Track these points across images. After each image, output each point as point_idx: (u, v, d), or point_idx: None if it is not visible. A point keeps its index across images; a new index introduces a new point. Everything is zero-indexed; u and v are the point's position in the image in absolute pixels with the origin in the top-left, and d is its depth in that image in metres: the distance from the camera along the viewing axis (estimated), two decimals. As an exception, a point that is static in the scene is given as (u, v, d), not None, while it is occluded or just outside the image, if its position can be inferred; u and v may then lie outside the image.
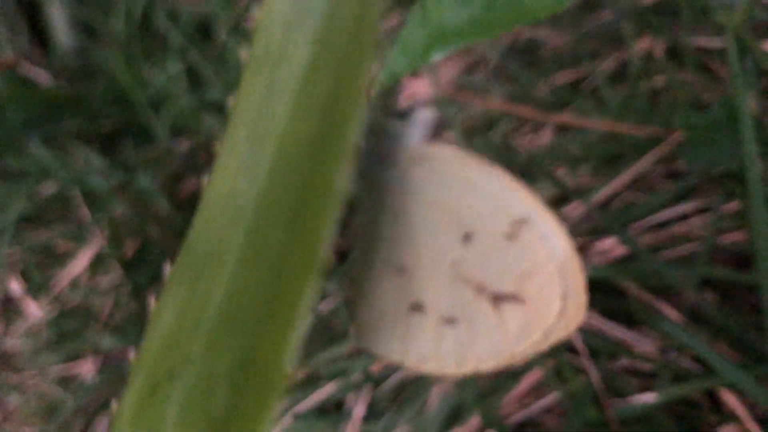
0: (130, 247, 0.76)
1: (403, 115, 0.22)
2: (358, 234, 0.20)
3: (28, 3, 0.96)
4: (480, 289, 0.20)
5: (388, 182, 0.20)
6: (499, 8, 0.38)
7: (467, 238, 0.19)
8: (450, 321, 0.20)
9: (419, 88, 0.74)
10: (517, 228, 0.19)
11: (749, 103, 0.43)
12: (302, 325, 0.12)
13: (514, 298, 0.20)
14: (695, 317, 0.50)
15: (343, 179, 0.13)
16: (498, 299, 0.20)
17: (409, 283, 0.20)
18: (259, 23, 0.15)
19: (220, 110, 0.85)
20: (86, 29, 0.98)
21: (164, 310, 0.14)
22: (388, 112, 0.69)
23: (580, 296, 0.20)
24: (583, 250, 0.52)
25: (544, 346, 0.20)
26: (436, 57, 0.37)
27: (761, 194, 0.43)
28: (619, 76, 0.63)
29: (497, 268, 0.20)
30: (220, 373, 0.12)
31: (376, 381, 0.58)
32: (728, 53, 0.42)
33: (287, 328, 0.12)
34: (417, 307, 0.20)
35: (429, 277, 0.20)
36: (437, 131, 0.19)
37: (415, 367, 0.21)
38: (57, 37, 0.96)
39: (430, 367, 0.21)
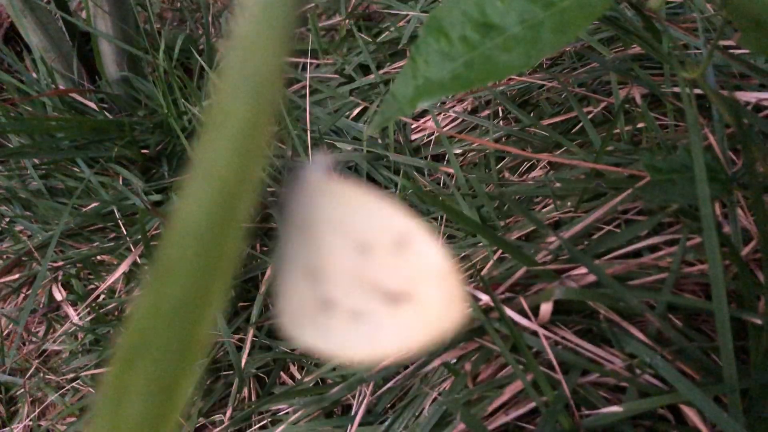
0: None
1: (308, 158, 0.28)
2: (280, 247, 0.26)
3: (80, 37, 1.05)
4: (377, 289, 0.26)
5: (298, 208, 0.26)
6: (477, 66, 0.45)
7: (363, 248, 0.26)
8: (356, 316, 0.26)
9: (427, 125, 0.81)
10: (402, 240, 0.25)
11: (699, 149, 0.48)
12: (214, 310, 0.19)
13: (405, 296, 0.26)
14: (661, 340, 0.55)
15: (247, 205, 0.19)
16: (393, 297, 0.26)
17: (321, 285, 0.26)
18: (216, 88, 0.21)
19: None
20: (131, 63, 1.06)
21: (140, 304, 0.18)
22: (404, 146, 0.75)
23: (458, 294, 0.25)
24: (559, 275, 0.58)
25: (435, 335, 0.26)
26: (422, 105, 0.44)
27: (714, 230, 0.49)
28: (606, 120, 0.69)
29: (389, 272, 0.26)
30: (170, 350, 0.18)
31: (377, 386, 0.64)
32: (683, 103, 0.48)
33: (206, 313, 0.18)
34: (329, 304, 0.26)
35: (335, 280, 0.26)
36: (333, 169, 0.26)
37: (333, 354, 0.27)
38: (104, 69, 1.04)
39: (344, 354, 0.27)
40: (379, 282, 0.27)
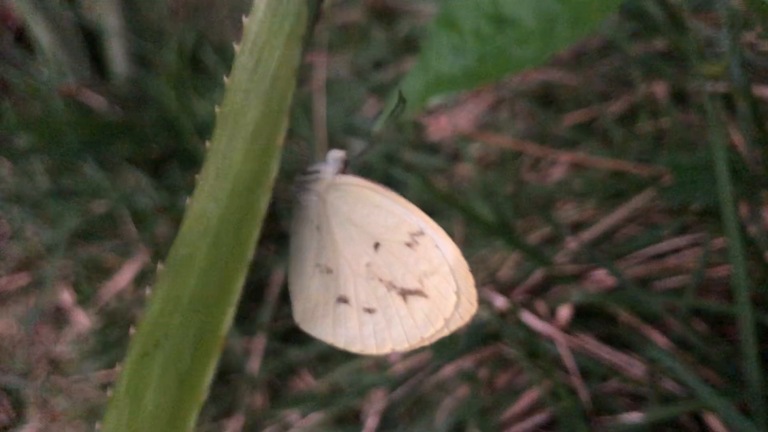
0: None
1: (322, 155, 0.27)
2: (292, 244, 0.25)
3: (91, 35, 1.04)
4: (391, 286, 0.25)
5: (311, 205, 0.25)
6: (489, 60, 0.43)
7: (377, 245, 0.25)
8: (369, 311, 0.25)
9: (443, 124, 0.79)
10: (414, 238, 0.24)
11: (722, 146, 0.46)
12: (236, 301, 0.17)
13: (418, 293, 0.25)
14: (684, 344, 0.53)
15: (266, 201, 0.18)
16: (405, 294, 0.25)
17: (335, 281, 0.25)
18: (228, 87, 0.20)
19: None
20: (142, 61, 1.05)
21: (154, 298, 0.18)
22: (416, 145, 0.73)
23: (471, 292, 0.24)
24: (579, 278, 0.56)
25: (447, 332, 0.25)
26: (433, 102, 0.42)
27: (737, 230, 0.46)
28: (629, 117, 0.67)
29: (402, 269, 0.25)
30: (187, 343, 0.17)
31: (390, 392, 0.62)
32: (704, 99, 0.45)
33: (229, 305, 0.17)
34: (343, 300, 0.26)
35: (350, 276, 0.25)
36: (345, 167, 0.25)
37: (344, 348, 0.26)
38: (115, 68, 1.03)
39: (355, 348, 0.26)
40: (391, 278, 0.26)
